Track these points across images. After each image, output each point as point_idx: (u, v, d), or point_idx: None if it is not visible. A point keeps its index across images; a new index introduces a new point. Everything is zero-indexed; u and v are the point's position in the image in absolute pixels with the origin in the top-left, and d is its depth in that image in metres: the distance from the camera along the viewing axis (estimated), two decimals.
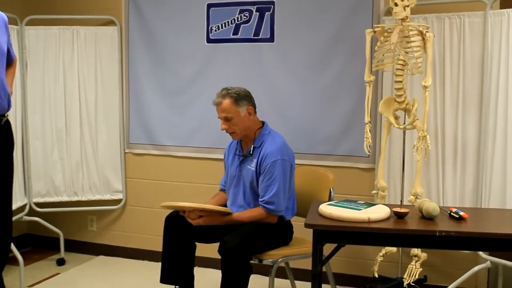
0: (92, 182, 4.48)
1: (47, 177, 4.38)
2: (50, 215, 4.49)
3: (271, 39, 4.06)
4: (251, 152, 3.25)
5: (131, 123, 4.51)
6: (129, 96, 4.49)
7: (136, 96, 4.47)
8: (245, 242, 2.97)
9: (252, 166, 3.24)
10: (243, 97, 3.22)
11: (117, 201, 4.59)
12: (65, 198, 4.44)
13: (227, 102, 3.19)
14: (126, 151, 4.56)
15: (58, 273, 4.24)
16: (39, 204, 4.39)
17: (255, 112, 3.28)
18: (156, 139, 4.46)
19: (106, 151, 4.49)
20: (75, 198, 4.46)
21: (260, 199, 3.17)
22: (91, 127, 4.44)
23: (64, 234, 4.53)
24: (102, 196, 4.52)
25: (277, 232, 3.22)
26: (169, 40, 4.33)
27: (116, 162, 4.53)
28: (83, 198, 4.48)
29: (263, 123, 3.34)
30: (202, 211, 3.06)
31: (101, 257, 4.66)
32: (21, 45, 4.23)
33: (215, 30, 4.20)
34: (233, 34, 4.15)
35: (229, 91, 3.21)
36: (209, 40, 4.22)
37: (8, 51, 3.15)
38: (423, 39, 3.24)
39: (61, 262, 4.44)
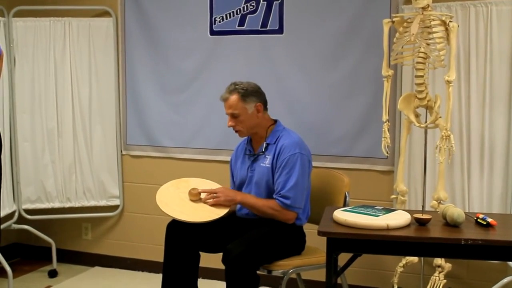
0: (87, 187, 4.49)
1: (38, 181, 4.41)
2: (41, 223, 4.51)
3: (280, 30, 4.07)
4: (263, 150, 3.29)
5: (128, 123, 4.53)
6: (126, 94, 4.50)
7: (133, 94, 4.49)
8: (251, 250, 2.98)
9: (266, 163, 3.27)
10: (251, 93, 3.28)
11: (114, 208, 4.60)
12: (57, 205, 4.46)
13: (234, 98, 3.26)
14: (123, 153, 4.57)
15: (50, 286, 4.25)
16: (29, 211, 4.41)
17: (265, 108, 3.35)
18: (156, 140, 4.47)
19: (101, 153, 4.51)
20: (68, 205, 4.48)
21: (275, 194, 3.19)
22: (85, 127, 4.45)
23: (57, 243, 4.55)
24: (98, 202, 4.54)
25: (287, 240, 3.23)
26: (169, 32, 4.34)
27: (112, 165, 4.54)
28: (77, 205, 4.50)
29: (275, 121, 3.39)
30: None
31: (97, 268, 4.67)
32: (8, 39, 4.26)
33: (219, 21, 4.21)
34: (238, 26, 4.16)
35: (237, 87, 3.28)
36: (213, 32, 4.23)
37: None
38: (446, 29, 3.23)
39: (53, 273, 4.45)
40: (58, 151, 4.42)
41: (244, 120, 3.27)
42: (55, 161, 4.42)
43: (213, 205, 3.21)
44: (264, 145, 3.30)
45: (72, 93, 4.41)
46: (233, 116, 3.26)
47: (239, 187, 3.41)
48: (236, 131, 3.32)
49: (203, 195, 3.24)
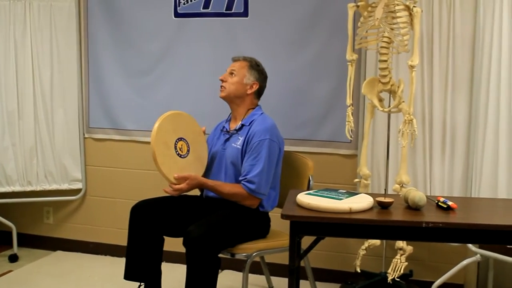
0: (48, 170, 4.43)
1: None
2: (2, 206, 4.43)
3: (245, 13, 4.04)
4: (237, 129, 3.31)
5: (91, 105, 4.47)
6: (89, 76, 4.44)
7: (96, 76, 4.42)
8: (212, 233, 2.96)
9: (238, 144, 3.27)
10: (258, 71, 3.38)
11: (76, 191, 4.55)
12: (18, 188, 4.39)
13: (243, 62, 3.37)
14: (86, 136, 4.52)
15: (10, 271, 4.20)
16: None
17: (258, 94, 3.40)
18: (119, 123, 4.43)
19: (63, 136, 4.45)
20: (29, 188, 4.42)
21: (241, 177, 3.19)
22: (46, 109, 4.38)
23: (17, 227, 4.48)
24: (59, 185, 4.48)
25: (251, 223, 3.22)
26: (133, 13, 4.28)
27: (74, 148, 4.49)
28: (38, 188, 4.44)
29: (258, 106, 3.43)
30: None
31: (59, 252, 4.63)
32: None
33: (184, 4, 4.16)
34: (203, 8, 4.12)
35: (252, 59, 3.40)
36: (177, 15, 4.19)
37: None
38: (410, 14, 3.25)
39: (13, 258, 4.40)
40: (18, 133, 4.34)
41: (234, 83, 3.32)
42: (15, 144, 4.34)
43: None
44: (240, 124, 3.31)
45: (33, 75, 4.33)
46: (230, 73, 3.34)
47: (210, 162, 3.40)
48: (221, 87, 3.35)
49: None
